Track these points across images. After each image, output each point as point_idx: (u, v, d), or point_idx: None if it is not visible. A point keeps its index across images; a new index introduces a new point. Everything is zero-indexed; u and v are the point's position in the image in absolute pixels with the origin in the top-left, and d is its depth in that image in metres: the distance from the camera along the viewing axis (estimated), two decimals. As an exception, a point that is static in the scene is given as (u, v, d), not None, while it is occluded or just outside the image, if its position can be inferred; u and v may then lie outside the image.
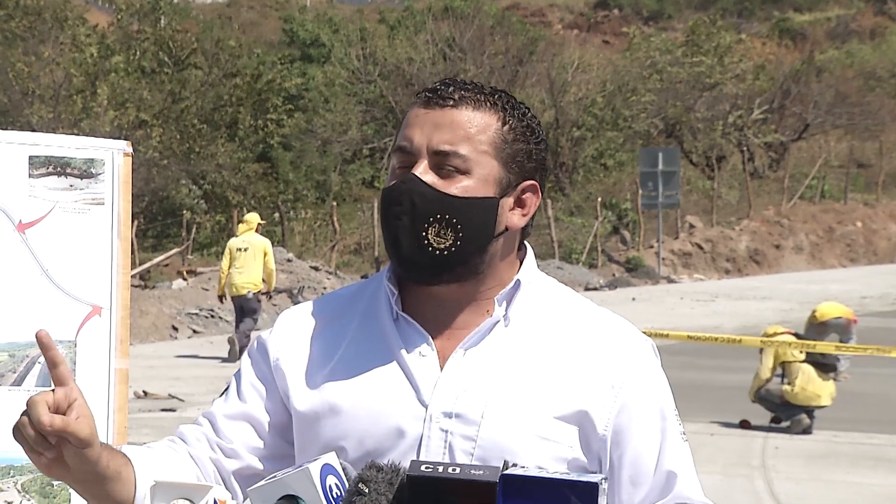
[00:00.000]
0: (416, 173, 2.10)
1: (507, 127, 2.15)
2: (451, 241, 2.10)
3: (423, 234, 2.09)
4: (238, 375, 2.27)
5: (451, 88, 2.15)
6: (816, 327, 15.89)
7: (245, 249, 16.27)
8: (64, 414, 1.89)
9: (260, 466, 2.21)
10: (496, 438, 2.08)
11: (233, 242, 16.68)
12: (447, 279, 2.14)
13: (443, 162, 2.11)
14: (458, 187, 2.10)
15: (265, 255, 16.46)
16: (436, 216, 2.09)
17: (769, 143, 43.25)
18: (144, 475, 2.03)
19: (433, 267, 2.11)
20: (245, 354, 2.30)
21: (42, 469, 1.94)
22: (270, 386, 2.22)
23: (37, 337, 1.92)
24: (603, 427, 2.13)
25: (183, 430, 2.25)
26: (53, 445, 1.89)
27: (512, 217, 2.17)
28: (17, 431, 1.90)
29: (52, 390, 1.91)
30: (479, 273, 2.15)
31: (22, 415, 1.90)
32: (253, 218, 16.94)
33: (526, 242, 2.26)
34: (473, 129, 2.12)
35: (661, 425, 2.18)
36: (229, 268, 16.39)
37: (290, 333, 2.25)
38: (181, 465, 2.16)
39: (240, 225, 17.47)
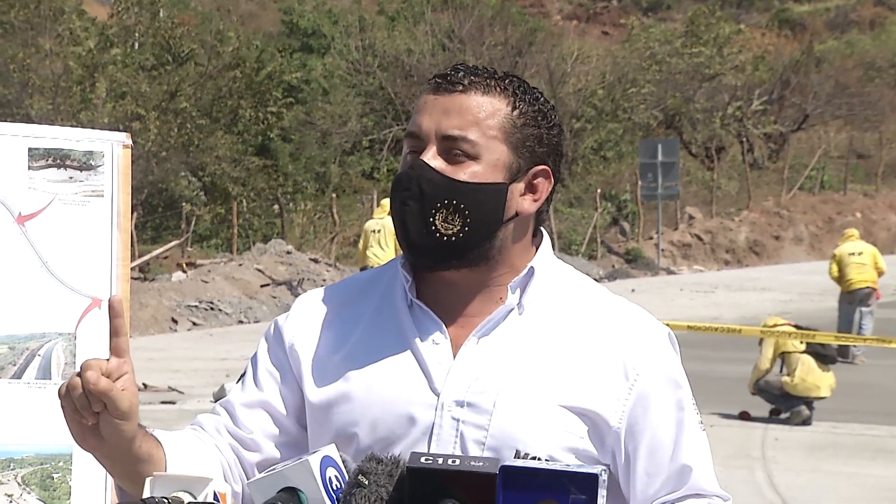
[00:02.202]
0: (425, 159, 2.10)
1: (516, 111, 2.14)
2: (458, 227, 2.09)
3: (431, 219, 2.09)
4: (255, 361, 2.26)
5: (461, 73, 2.15)
6: (847, 296, 16.73)
7: (378, 231, 17.78)
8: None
9: (279, 454, 2.20)
10: (508, 428, 2.07)
11: (369, 224, 18.39)
12: (456, 265, 2.13)
13: (451, 147, 2.10)
14: (467, 172, 2.10)
15: (394, 236, 17.52)
16: (443, 202, 2.09)
17: (769, 133, 43.23)
18: (175, 461, 2.03)
19: (441, 253, 2.11)
20: (262, 339, 2.28)
21: (77, 437, 1.95)
22: (286, 371, 2.21)
23: (110, 302, 1.94)
24: (617, 420, 2.12)
25: (202, 420, 2.23)
26: (95, 412, 1.89)
27: (523, 202, 2.16)
28: (64, 393, 1.91)
29: (108, 360, 1.92)
30: (489, 259, 2.15)
31: (73, 376, 1.91)
32: (388, 203, 18.00)
33: (542, 229, 2.25)
34: (482, 113, 2.12)
35: (677, 416, 2.17)
36: (365, 248, 17.95)
37: (305, 318, 2.24)
38: (208, 454, 2.14)
39: (377, 209, 19.12)
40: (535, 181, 2.17)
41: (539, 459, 2.04)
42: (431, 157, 2.10)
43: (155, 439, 2.03)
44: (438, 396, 2.10)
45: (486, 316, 2.15)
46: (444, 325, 2.14)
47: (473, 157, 2.10)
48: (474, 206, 2.10)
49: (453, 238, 2.09)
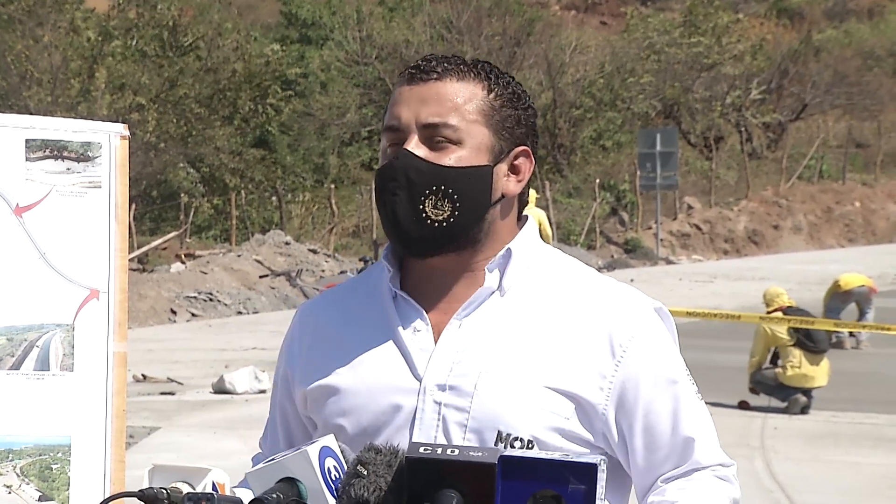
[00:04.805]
0: (408, 148, 2.11)
1: (493, 94, 2.16)
2: (448, 212, 2.10)
3: (421, 207, 2.10)
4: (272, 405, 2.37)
5: (434, 62, 2.17)
6: (840, 296, 16.35)
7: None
8: None
9: None
10: (489, 409, 2.08)
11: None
12: (447, 250, 2.14)
13: (433, 134, 2.12)
14: (452, 158, 2.11)
15: (539, 224, 17.62)
16: (431, 188, 2.10)
17: (767, 123, 43.20)
18: None
19: (433, 239, 2.12)
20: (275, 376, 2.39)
21: None
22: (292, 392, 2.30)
23: None
24: (604, 398, 2.11)
25: None
26: None
27: (508, 184, 2.18)
28: None
29: None
30: (477, 242, 2.16)
31: None
32: (531, 193, 18.48)
33: (528, 213, 2.26)
34: (460, 99, 2.13)
35: (671, 390, 2.17)
36: None
37: (301, 330, 2.31)
38: None
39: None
40: (516, 162, 2.19)
41: (522, 441, 2.06)
42: (415, 146, 2.11)
43: None
44: (420, 382, 2.12)
45: (468, 300, 2.16)
46: (424, 312, 2.16)
47: (456, 143, 2.12)
48: (462, 191, 2.11)
49: (444, 224, 2.11)
